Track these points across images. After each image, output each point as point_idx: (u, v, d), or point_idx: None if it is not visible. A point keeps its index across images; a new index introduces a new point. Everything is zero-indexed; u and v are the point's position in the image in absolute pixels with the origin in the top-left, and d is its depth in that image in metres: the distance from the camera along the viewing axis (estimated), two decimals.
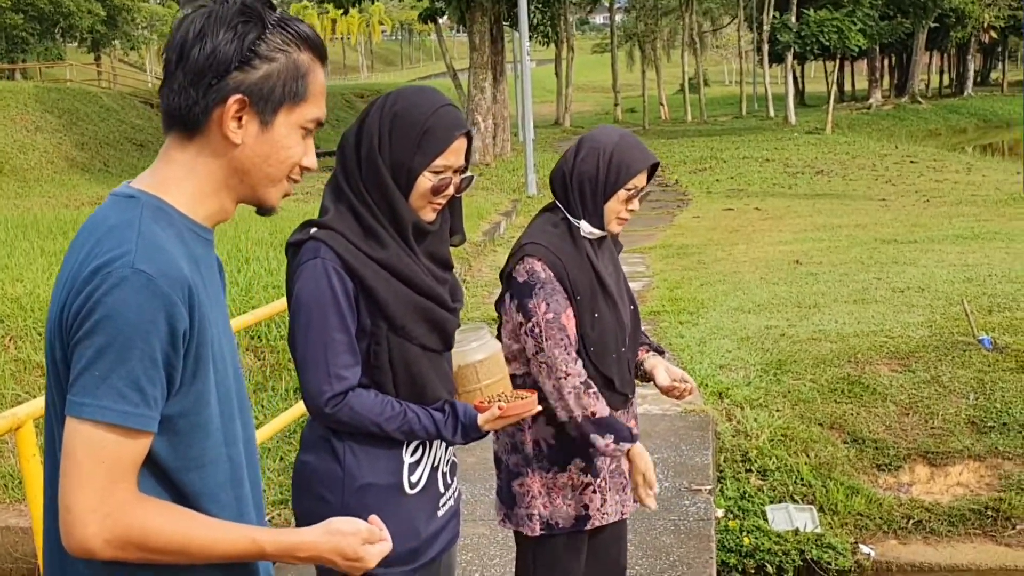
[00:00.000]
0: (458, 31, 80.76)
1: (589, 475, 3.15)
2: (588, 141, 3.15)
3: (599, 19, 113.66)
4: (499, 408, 2.55)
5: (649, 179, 3.18)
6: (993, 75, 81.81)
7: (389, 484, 2.46)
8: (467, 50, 29.78)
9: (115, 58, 70.79)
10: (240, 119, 1.73)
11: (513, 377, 2.95)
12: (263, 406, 7.67)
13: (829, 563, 5.82)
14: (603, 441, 3.02)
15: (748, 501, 6.19)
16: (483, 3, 28.16)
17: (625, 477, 3.24)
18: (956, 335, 7.95)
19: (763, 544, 5.78)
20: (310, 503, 2.47)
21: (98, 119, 33.02)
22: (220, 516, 1.73)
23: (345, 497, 2.42)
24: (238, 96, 1.71)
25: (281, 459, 6.76)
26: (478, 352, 2.66)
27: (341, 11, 36.31)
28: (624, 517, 3.31)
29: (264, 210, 1.83)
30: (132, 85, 48.32)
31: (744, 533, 5.85)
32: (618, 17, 61.28)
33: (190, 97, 1.71)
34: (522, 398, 2.63)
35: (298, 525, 2.52)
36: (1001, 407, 6.96)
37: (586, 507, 3.16)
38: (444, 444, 2.60)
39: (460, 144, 2.49)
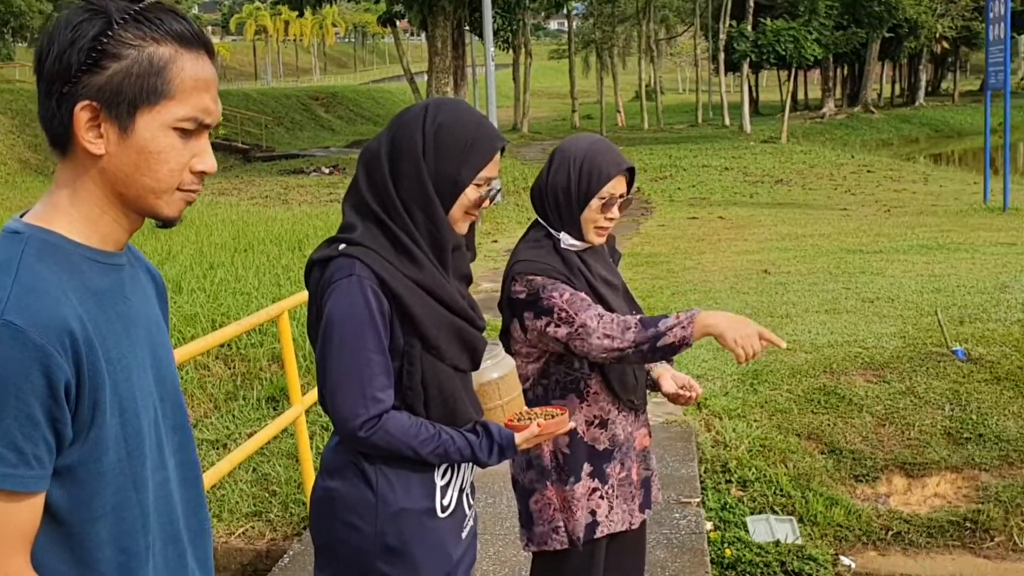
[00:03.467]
0: (414, 35, 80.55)
1: (596, 480, 3.08)
2: (560, 152, 3.07)
3: (554, 25, 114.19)
4: (538, 425, 2.49)
5: (629, 187, 3.08)
6: (944, 85, 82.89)
7: (423, 508, 2.38)
8: (422, 53, 29.72)
9: None
10: (98, 127, 1.56)
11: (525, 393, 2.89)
12: (234, 416, 7.54)
13: (811, 574, 5.79)
14: (668, 330, 2.77)
15: (729, 512, 6.14)
16: (445, 8, 28.14)
17: (634, 487, 3.18)
18: (929, 346, 7.99)
19: (745, 556, 5.72)
20: (338, 530, 2.38)
21: None
22: (131, 564, 1.61)
23: (379, 524, 2.34)
24: (85, 102, 1.54)
25: (254, 470, 6.63)
26: (495, 370, 2.59)
27: (296, 13, 36.12)
28: (632, 528, 3.22)
29: (161, 223, 1.65)
30: None
31: (726, 545, 5.80)
32: (575, 23, 61.39)
33: (49, 110, 1.56)
34: (553, 416, 2.56)
35: (320, 554, 2.44)
36: (977, 418, 6.97)
37: (594, 513, 3.09)
38: (470, 465, 2.53)
39: (497, 156, 2.44)
